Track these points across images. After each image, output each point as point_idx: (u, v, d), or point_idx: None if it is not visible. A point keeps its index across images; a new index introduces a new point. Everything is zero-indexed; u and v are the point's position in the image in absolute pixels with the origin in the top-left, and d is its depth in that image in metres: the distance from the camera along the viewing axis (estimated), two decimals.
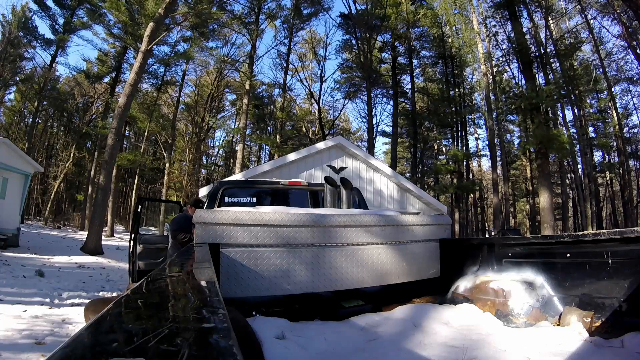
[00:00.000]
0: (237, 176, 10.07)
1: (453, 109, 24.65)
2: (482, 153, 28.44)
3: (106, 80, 26.19)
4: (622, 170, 22.98)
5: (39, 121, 27.01)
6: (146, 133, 26.00)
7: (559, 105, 20.14)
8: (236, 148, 27.09)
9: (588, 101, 23.34)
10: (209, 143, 34.41)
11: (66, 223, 25.61)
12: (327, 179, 3.57)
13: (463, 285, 2.69)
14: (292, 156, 9.61)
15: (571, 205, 27.05)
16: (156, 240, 5.32)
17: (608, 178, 25.73)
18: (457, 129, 25.77)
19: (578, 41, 19.81)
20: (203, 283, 1.10)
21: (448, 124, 25.28)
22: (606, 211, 27.34)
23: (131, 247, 4.85)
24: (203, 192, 8.73)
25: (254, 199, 4.32)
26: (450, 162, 24.69)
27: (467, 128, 26.57)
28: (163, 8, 14.61)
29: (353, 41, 24.80)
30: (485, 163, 31.15)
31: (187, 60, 24.29)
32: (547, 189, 14.41)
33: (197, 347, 0.52)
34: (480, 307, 2.38)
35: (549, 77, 18.43)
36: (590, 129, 24.11)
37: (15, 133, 25.66)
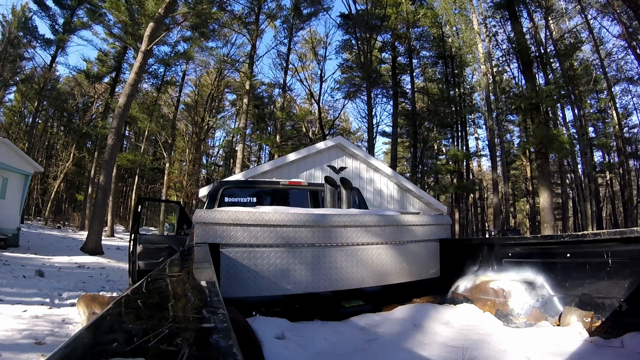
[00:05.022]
0: (237, 176, 10.07)
1: (453, 109, 24.64)
2: (482, 153, 28.45)
3: (106, 80, 26.19)
4: (622, 170, 22.97)
5: (39, 121, 27.00)
6: (146, 133, 25.99)
7: (559, 105, 20.12)
8: (236, 148, 27.09)
9: (588, 101, 23.33)
10: (209, 143, 34.46)
11: (66, 223, 25.60)
12: (327, 179, 3.57)
13: (463, 285, 2.69)
14: (292, 156, 9.61)
15: (571, 205, 27.04)
16: (156, 240, 5.32)
17: (608, 178, 25.72)
18: (457, 129, 25.76)
19: (578, 41, 19.79)
20: (203, 283, 1.10)
21: (448, 124, 25.27)
22: (606, 211, 27.33)
23: (131, 247, 4.85)
24: (203, 192, 8.73)
25: (254, 199, 4.32)
26: (450, 162, 24.69)
27: (467, 128, 26.59)
28: (163, 8, 14.60)
29: (353, 41, 24.82)
30: (485, 163, 31.18)
31: (187, 60, 24.29)
32: (547, 189, 14.40)
33: (197, 347, 0.52)
34: (480, 307, 2.38)
35: (549, 77, 18.41)
36: (590, 129, 24.11)
37: (15, 133, 25.65)
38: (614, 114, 21.86)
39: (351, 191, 3.64)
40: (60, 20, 23.11)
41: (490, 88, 20.12)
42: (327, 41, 26.76)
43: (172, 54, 23.87)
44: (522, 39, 15.76)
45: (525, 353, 1.69)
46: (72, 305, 5.17)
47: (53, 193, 25.30)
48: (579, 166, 23.06)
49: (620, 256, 1.89)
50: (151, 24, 14.43)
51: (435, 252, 2.94)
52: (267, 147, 29.77)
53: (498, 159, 20.77)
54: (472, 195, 27.58)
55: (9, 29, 22.03)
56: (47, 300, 5.42)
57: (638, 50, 18.19)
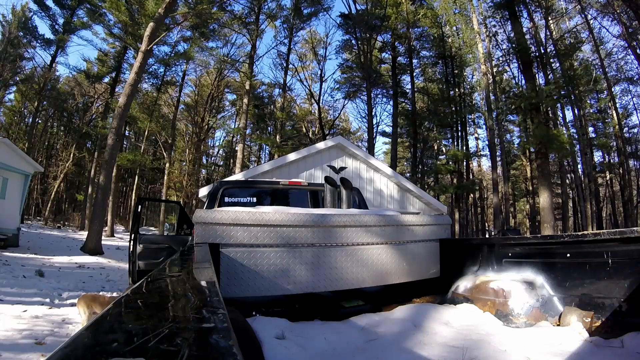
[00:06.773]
0: (237, 176, 10.06)
1: (453, 109, 24.64)
2: (482, 153, 28.46)
3: (106, 80, 26.19)
4: (622, 170, 22.98)
5: (39, 121, 27.00)
6: (146, 133, 25.99)
7: (559, 105, 20.13)
8: (236, 148, 27.08)
9: (588, 101, 23.33)
10: (209, 143, 34.47)
11: (66, 223, 25.59)
12: (327, 179, 3.57)
13: (463, 285, 2.69)
14: (292, 156, 9.61)
15: (571, 205, 27.04)
16: (156, 240, 5.32)
17: (608, 178, 25.72)
18: (457, 129, 25.76)
19: (578, 41, 19.79)
20: (203, 283, 1.10)
21: (448, 124, 25.27)
22: (606, 211, 27.33)
23: (131, 247, 4.85)
24: (203, 192, 8.73)
25: (254, 199, 4.32)
26: (450, 162, 24.68)
27: (467, 128, 26.58)
28: (163, 8, 14.60)
29: (353, 41, 24.82)
30: (485, 163, 31.18)
31: (187, 60, 24.29)
32: (547, 189, 14.40)
33: (197, 347, 0.52)
34: (480, 307, 2.38)
35: (549, 77, 18.42)
36: (590, 129, 24.11)
37: (15, 133, 25.64)
38: (614, 114, 21.86)
39: (351, 191, 3.64)
40: (60, 20, 23.15)
41: (490, 88, 20.12)
42: (327, 41, 26.80)
43: (172, 54, 23.87)
44: (522, 39, 15.75)
45: (525, 353, 1.69)
46: (72, 305, 5.17)
47: (53, 193, 25.30)
48: (579, 166, 23.08)
49: (620, 256, 1.89)
50: (151, 24, 14.43)
51: (435, 252, 2.94)
52: (267, 147, 29.77)
53: (498, 159, 20.77)
54: (472, 195, 27.59)
55: (9, 29, 22.03)
56: (47, 300, 5.42)
57: (638, 50, 18.19)
